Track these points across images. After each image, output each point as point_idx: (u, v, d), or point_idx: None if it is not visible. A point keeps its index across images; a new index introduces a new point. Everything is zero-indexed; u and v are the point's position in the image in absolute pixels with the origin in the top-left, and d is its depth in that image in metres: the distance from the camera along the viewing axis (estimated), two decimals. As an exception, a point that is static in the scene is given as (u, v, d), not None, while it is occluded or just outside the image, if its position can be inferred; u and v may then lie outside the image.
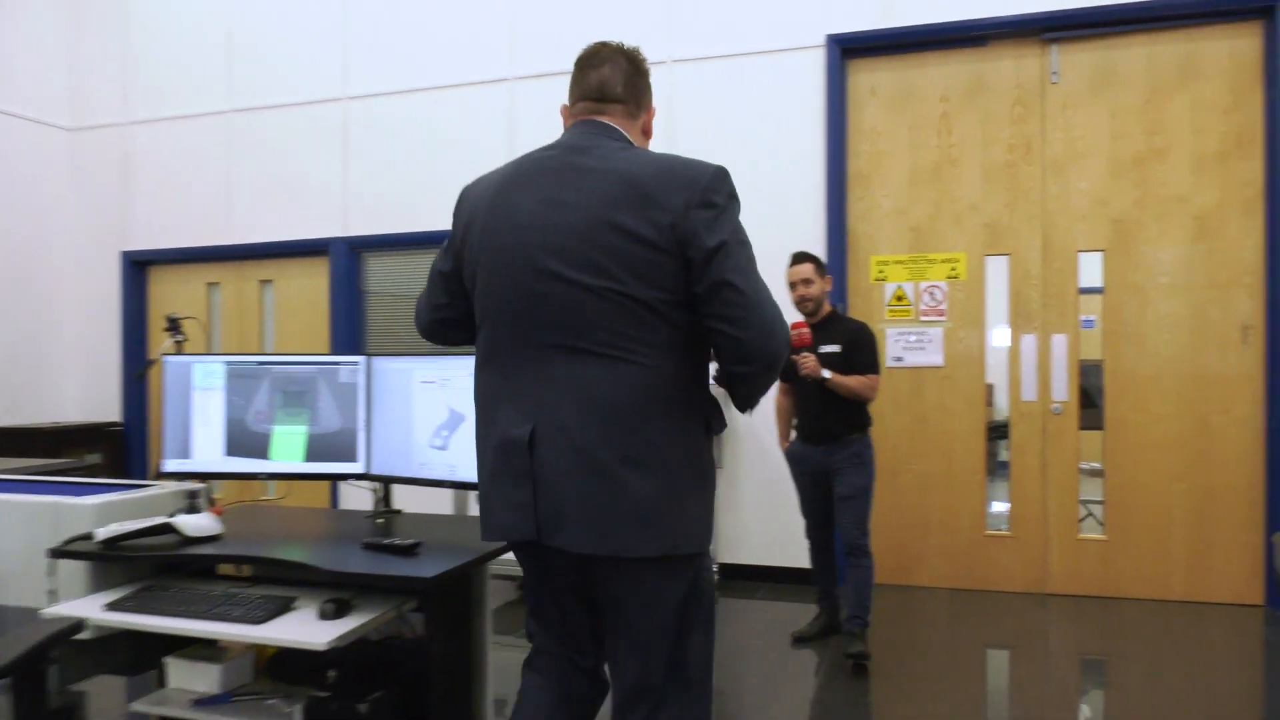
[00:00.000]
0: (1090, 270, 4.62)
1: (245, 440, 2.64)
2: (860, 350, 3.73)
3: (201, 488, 2.47)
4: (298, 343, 6.15)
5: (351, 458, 2.61)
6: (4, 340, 6.26)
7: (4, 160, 6.27)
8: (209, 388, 2.64)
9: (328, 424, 2.62)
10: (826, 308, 3.87)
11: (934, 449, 4.80)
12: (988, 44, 4.75)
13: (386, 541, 2.19)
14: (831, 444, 3.77)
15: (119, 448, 6.43)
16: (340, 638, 1.88)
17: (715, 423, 1.65)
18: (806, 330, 3.57)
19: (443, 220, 5.63)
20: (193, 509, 2.31)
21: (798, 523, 4.89)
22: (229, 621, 1.94)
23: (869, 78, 4.94)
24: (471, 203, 1.69)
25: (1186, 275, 4.49)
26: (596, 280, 1.52)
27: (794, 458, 3.96)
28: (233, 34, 6.20)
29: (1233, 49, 4.44)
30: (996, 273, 4.77)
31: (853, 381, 3.69)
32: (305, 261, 6.14)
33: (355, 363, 2.62)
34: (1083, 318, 4.62)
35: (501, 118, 5.53)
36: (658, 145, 5.00)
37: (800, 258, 3.85)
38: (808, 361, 3.62)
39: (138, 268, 6.57)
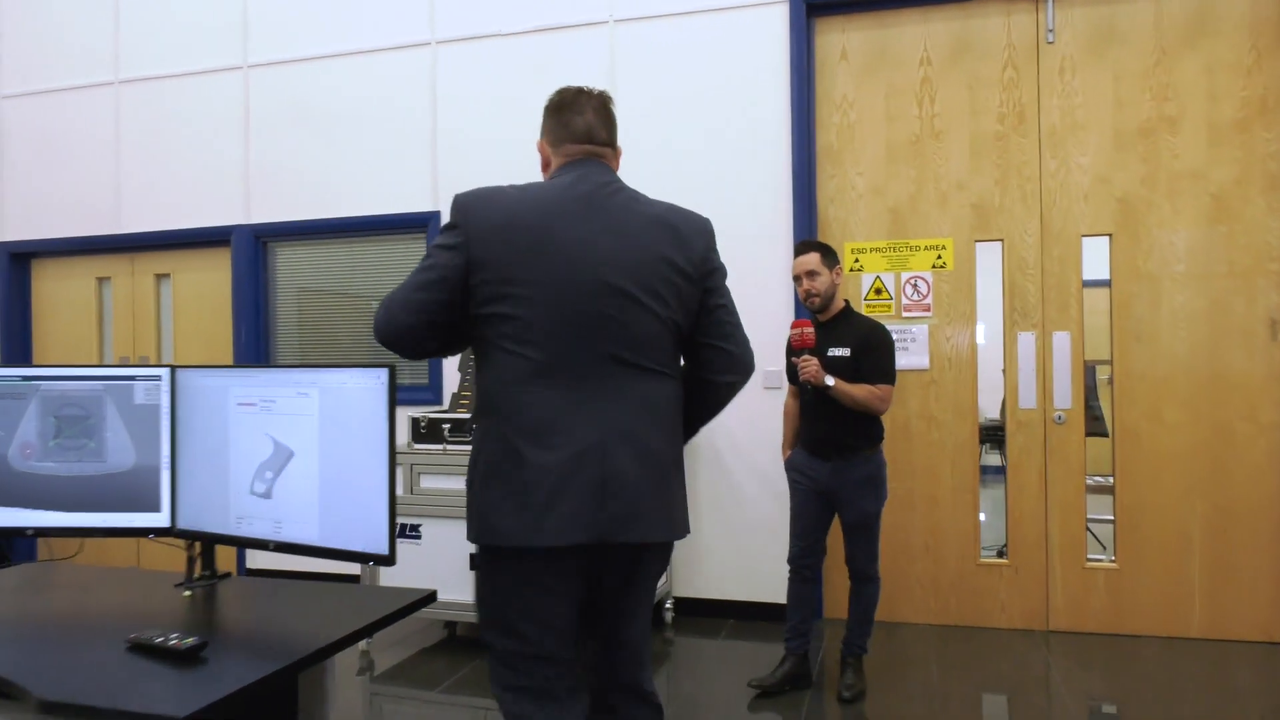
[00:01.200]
0: (1095, 258, 4.02)
1: (5, 484, 1.94)
2: (870, 355, 3.22)
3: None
4: (200, 347, 5.41)
5: (153, 506, 1.92)
6: None
7: None
8: (-45, 413, 1.94)
9: (119, 461, 1.93)
10: (839, 303, 3.37)
11: (918, 464, 4.18)
12: (975, -2, 4.14)
13: (159, 640, 1.51)
14: (839, 461, 3.28)
15: (-6, 467, 5.66)
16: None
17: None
18: (810, 330, 3.20)
19: (362, 205, 4.93)
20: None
21: (764, 551, 4.26)
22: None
23: (839, 38, 4.30)
24: (497, 217, 1.72)
25: (1204, 262, 3.90)
26: (657, 306, 1.75)
27: (795, 469, 3.43)
28: (120, -5, 5.45)
29: (1254, 1, 3.87)
30: (988, 261, 4.16)
31: (859, 391, 3.18)
32: (205, 253, 5.40)
33: (156, 377, 1.93)
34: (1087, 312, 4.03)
35: (424, 87, 4.84)
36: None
37: (805, 246, 3.34)
38: (808, 366, 3.18)
39: (17, 261, 5.79)
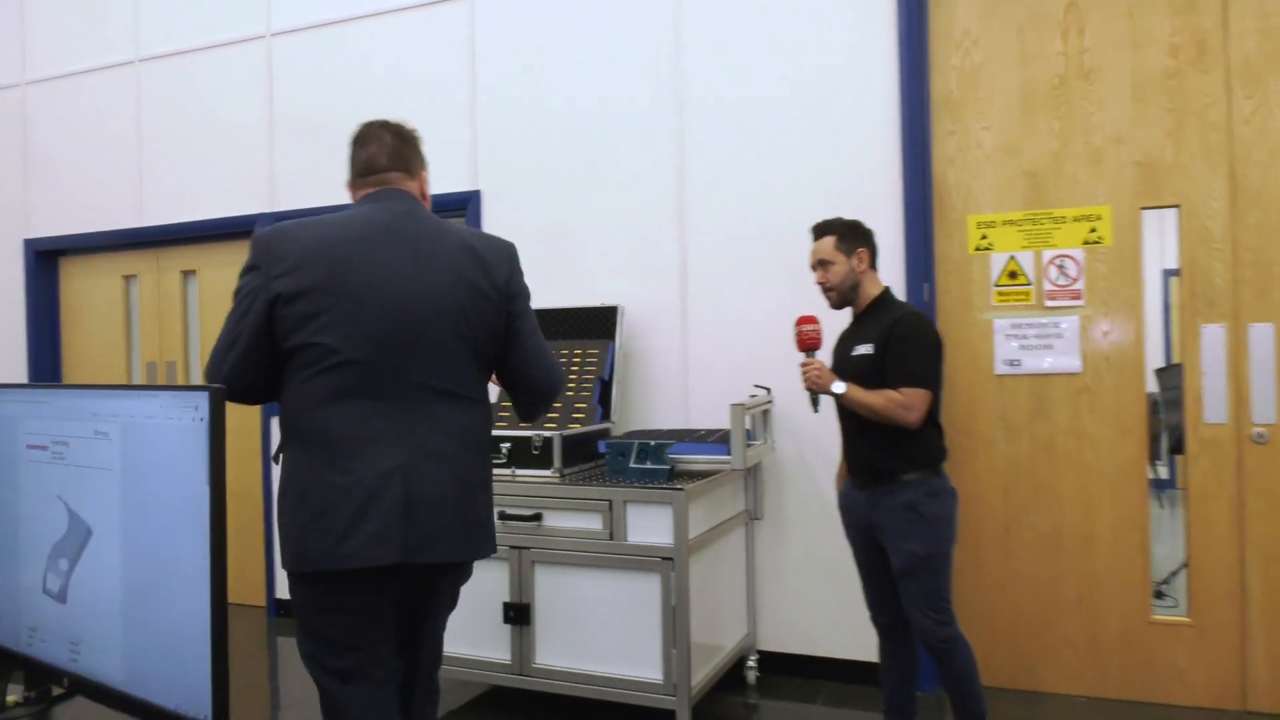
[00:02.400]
0: (1308, 225, 3.08)
1: None
2: (892, 350, 2.55)
3: None
4: (226, 349, 4.87)
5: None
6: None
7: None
8: None
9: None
10: (871, 292, 2.73)
11: (1066, 494, 3.30)
12: (1139, -102, 3.23)
13: None
14: (875, 488, 2.61)
15: (19, 481, 5.26)
16: None
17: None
18: (812, 327, 2.69)
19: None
20: None
21: (859, 593, 3.47)
22: None
23: (960, -39, 3.45)
24: (296, 251, 1.73)
25: None
26: (461, 330, 1.80)
27: (841, 503, 2.82)
28: (139, -36, 4.95)
29: None
30: (1159, 234, 3.25)
31: (874, 399, 2.52)
32: (231, 247, 4.86)
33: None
34: (1293, 297, 3.09)
35: (461, 46, 4.18)
36: (665, 60, 3.77)
37: (820, 229, 2.76)
38: (807, 370, 2.64)
39: (45, 260, 5.38)
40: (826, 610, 3.52)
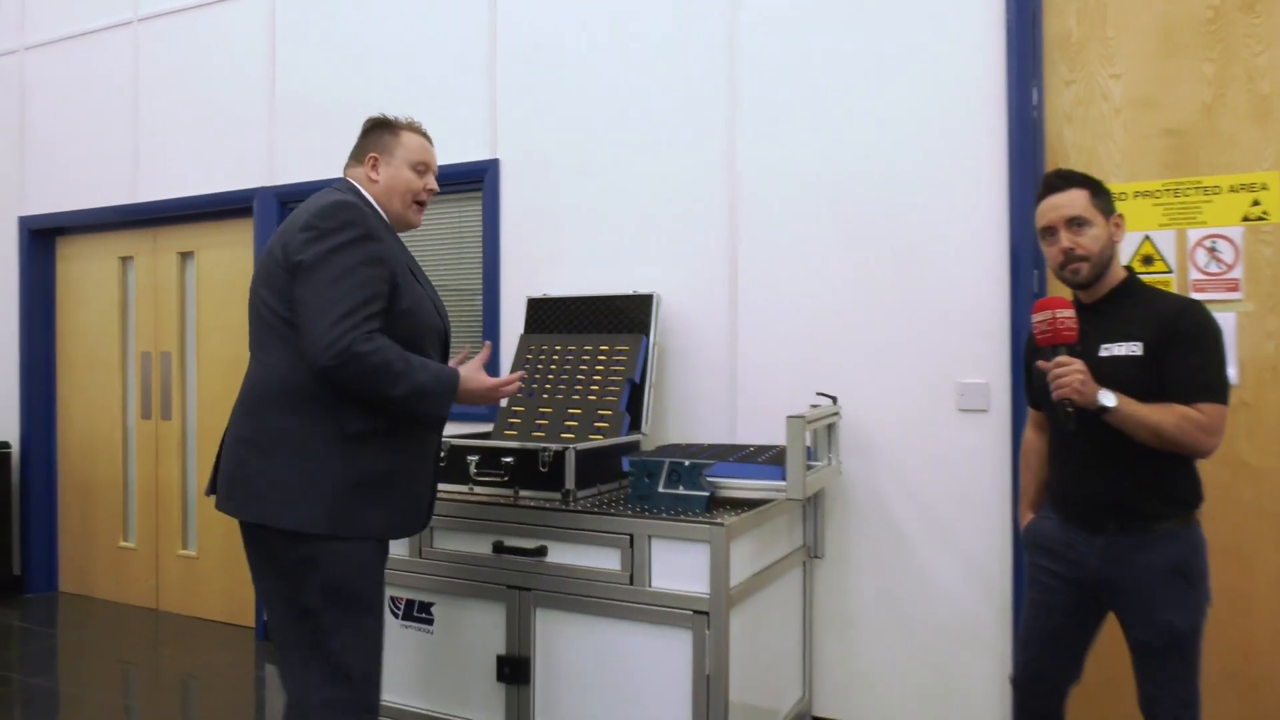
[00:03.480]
0: None
1: None
2: (1179, 351, 1.88)
3: None
4: (225, 340, 4.39)
5: None
6: None
7: None
8: None
9: None
10: (1118, 274, 2.03)
11: (1218, 539, 2.58)
12: None
13: None
14: (1121, 536, 1.95)
15: (3, 478, 4.84)
16: None
17: (351, 417, 1.87)
18: (1068, 314, 1.88)
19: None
20: None
21: (962, 666, 2.80)
22: None
23: None
24: None
25: None
26: (265, 297, 1.91)
27: (1039, 545, 2.11)
28: (139, -87, 4.50)
29: None
30: (1346, 207, 2.54)
31: (1163, 417, 1.84)
32: (229, 225, 4.37)
33: None
34: None
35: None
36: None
37: (1062, 179, 2.02)
38: (1069, 374, 1.84)
39: (40, 239, 4.96)
40: (904, 672, 2.86)
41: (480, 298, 3.64)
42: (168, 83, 4.42)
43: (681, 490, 2.41)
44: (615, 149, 3.34)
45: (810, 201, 3.02)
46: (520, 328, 3.40)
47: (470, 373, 2.03)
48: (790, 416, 2.36)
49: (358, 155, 2.11)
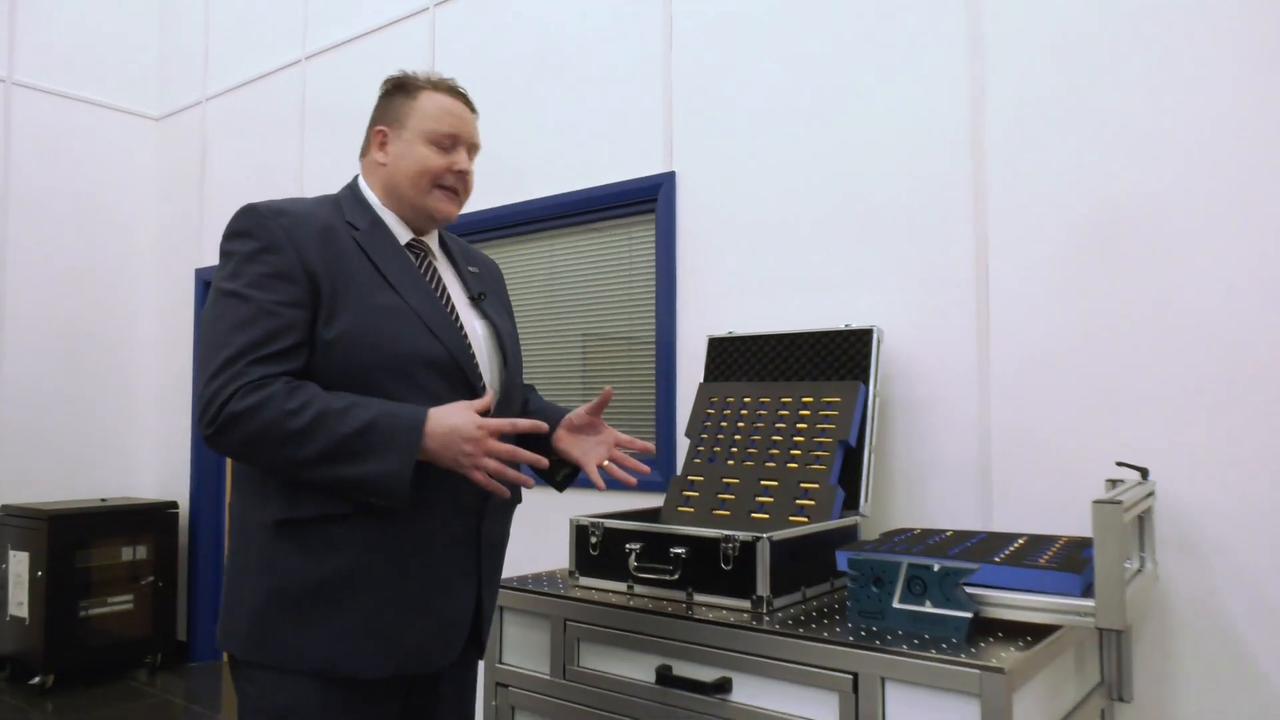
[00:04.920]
0: None
1: None
2: None
3: None
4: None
5: None
6: (75, 401, 4.75)
7: (90, 161, 4.87)
8: None
9: None
10: None
11: None
12: None
13: None
14: None
15: (170, 540, 4.66)
16: None
17: (277, 500, 1.37)
18: None
19: (571, 179, 3.24)
20: None
21: None
22: None
23: None
24: None
25: None
26: None
27: None
28: (309, -51, 4.33)
29: None
30: None
31: None
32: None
33: None
34: None
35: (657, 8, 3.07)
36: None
37: None
38: None
39: (214, 291, 4.86)
40: None
41: (653, 342, 3.02)
42: (330, 115, 4.18)
43: (929, 607, 1.63)
44: (815, 150, 2.64)
45: (1088, 208, 2.18)
46: (699, 375, 2.72)
47: (449, 412, 1.34)
48: (1098, 501, 1.52)
49: (367, 133, 1.64)
